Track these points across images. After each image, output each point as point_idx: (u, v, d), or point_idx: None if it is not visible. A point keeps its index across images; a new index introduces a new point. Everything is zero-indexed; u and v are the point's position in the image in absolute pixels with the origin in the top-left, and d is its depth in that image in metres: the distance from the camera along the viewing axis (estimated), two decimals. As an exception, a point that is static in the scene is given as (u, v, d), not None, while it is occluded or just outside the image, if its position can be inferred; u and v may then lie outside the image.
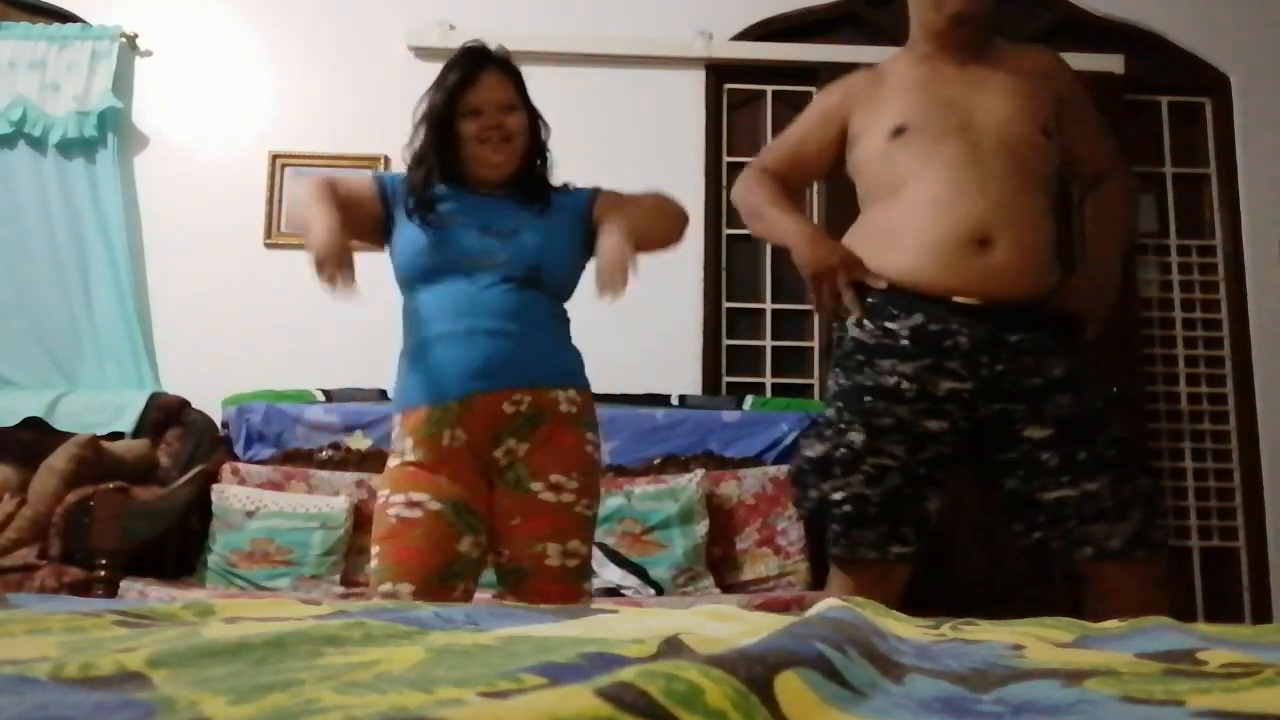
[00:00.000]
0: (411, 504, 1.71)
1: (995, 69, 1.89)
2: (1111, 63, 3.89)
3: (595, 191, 1.90)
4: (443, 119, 1.81)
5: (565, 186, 1.92)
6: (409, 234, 1.82)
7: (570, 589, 1.74)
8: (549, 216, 1.84)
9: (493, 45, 1.86)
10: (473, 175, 1.84)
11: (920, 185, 1.80)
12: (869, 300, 1.81)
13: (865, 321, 1.80)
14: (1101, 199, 2.00)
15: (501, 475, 1.76)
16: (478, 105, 1.80)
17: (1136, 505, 1.70)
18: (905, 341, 1.75)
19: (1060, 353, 1.77)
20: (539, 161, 1.90)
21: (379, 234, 1.88)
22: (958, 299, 1.74)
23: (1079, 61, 3.83)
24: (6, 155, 3.80)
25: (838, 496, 1.76)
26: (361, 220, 1.84)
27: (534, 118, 1.87)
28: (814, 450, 1.80)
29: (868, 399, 1.75)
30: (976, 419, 1.74)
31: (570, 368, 1.83)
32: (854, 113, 1.96)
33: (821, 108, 2.06)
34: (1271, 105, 4.00)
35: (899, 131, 1.85)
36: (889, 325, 1.77)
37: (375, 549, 1.74)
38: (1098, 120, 2.04)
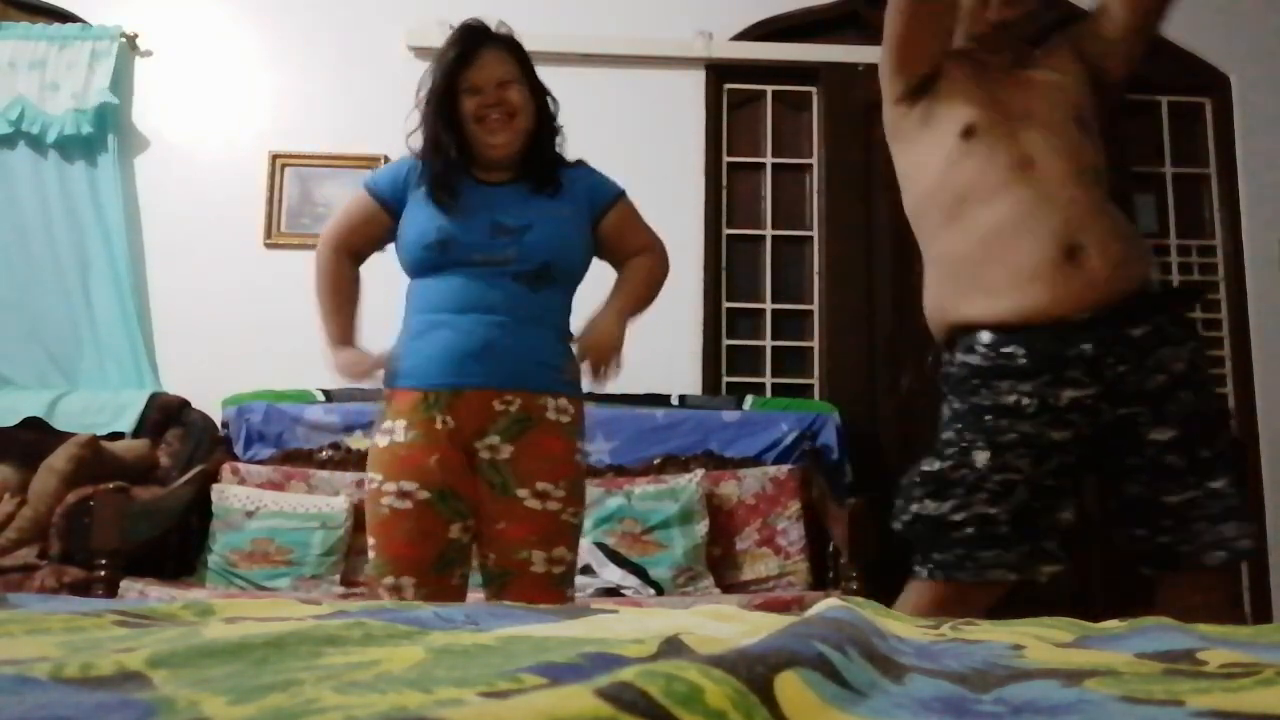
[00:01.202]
0: (402, 494, 1.72)
1: (1038, 72, 1.84)
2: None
3: (615, 199, 1.91)
4: (443, 99, 1.78)
5: (579, 163, 1.91)
6: (418, 223, 1.80)
7: (554, 595, 1.73)
8: (560, 202, 1.82)
9: (493, 25, 1.84)
10: (479, 159, 1.81)
11: (986, 206, 1.71)
12: (980, 340, 1.70)
13: (976, 348, 1.71)
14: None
15: (482, 471, 1.75)
16: (477, 83, 1.77)
17: (1247, 505, 1.67)
18: (1023, 362, 1.66)
19: (1180, 341, 1.69)
20: (549, 140, 1.87)
21: (392, 234, 1.89)
22: (1073, 317, 1.65)
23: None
24: (7, 156, 3.80)
25: (958, 517, 1.66)
26: (373, 239, 1.91)
27: (540, 94, 1.85)
28: (930, 465, 1.71)
29: (988, 417, 1.67)
30: (1099, 424, 1.67)
31: (566, 377, 1.82)
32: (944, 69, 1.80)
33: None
34: (1271, 105, 4.00)
35: (968, 132, 1.75)
36: (1003, 350, 1.68)
37: (371, 540, 1.77)
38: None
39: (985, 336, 1.70)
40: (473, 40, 1.80)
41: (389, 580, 1.73)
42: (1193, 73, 4.05)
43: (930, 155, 1.79)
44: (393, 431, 1.75)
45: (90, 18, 3.90)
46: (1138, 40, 1.85)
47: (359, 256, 1.93)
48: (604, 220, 1.89)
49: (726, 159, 3.97)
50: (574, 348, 1.83)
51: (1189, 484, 1.63)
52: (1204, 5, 4.05)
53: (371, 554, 1.76)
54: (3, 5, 3.97)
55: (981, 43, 1.84)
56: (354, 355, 1.84)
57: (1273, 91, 4.00)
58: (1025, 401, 1.65)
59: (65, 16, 3.93)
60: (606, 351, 1.81)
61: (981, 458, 1.66)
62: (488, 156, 1.81)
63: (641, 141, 3.87)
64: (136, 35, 3.89)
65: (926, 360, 1.90)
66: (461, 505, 1.74)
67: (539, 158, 1.84)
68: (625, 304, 1.88)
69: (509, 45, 1.83)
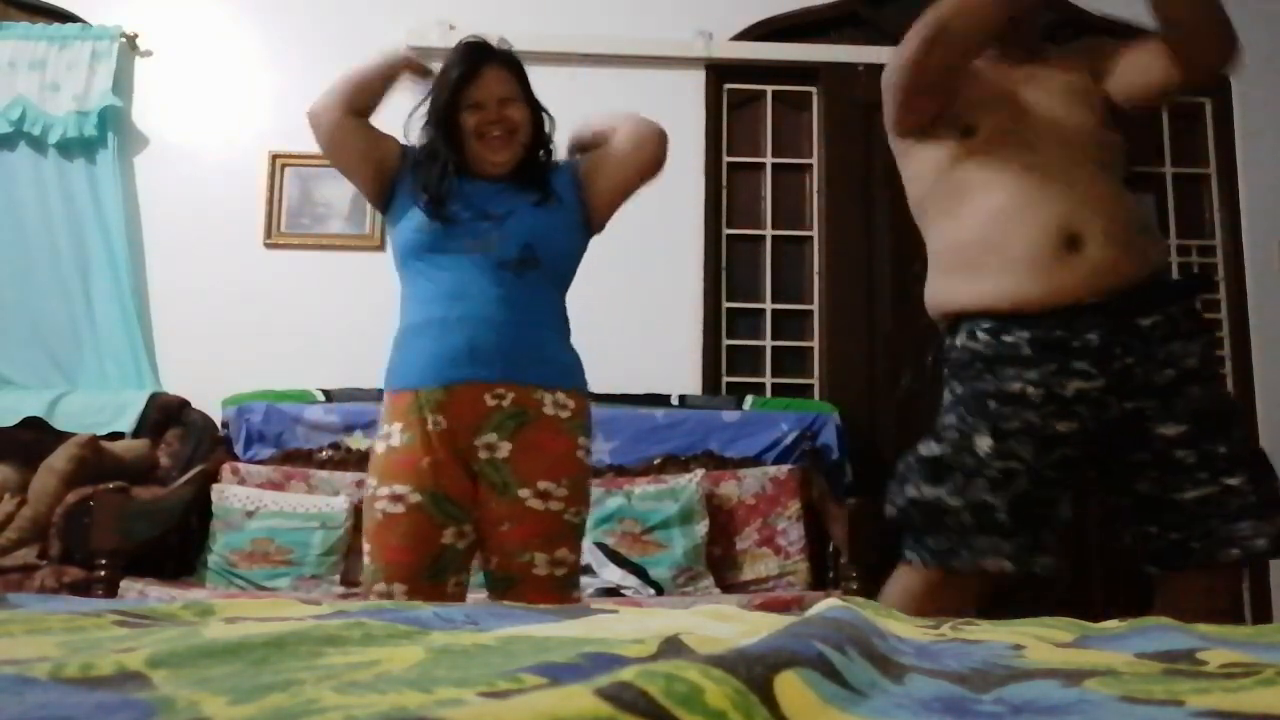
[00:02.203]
0: (394, 498, 1.72)
1: (1048, 67, 1.81)
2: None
3: (578, 161, 1.93)
4: (446, 114, 1.82)
5: (559, 164, 1.93)
6: (411, 215, 1.82)
7: (559, 599, 1.70)
8: (546, 202, 1.84)
9: (494, 40, 1.87)
10: (476, 173, 1.84)
11: (988, 192, 1.69)
12: (982, 326, 1.68)
13: (979, 333, 1.67)
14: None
15: (483, 473, 1.74)
16: (479, 99, 1.81)
17: (1275, 505, 1.60)
18: (1027, 350, 1.63)
19: (1190, 335, 1.65)
20: (542, 154, 1.90)
21: (379, 186, 1.89)
22: (1074, 304, 1.62)
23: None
24: (7, 156, 3.80)
25: (955, 503, 1.62)
26: (370, 159, 1.88)
27: (536, 111, 1.88)
28: (929, 450, 1.67)
29: (992, 403, 1.63)
30: (1106, 419, 1.63)
31: (562, 369, 1.80)
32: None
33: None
34: (1271, 105, 4.00)
35: (968, 132, 1.73)
36: (1005, 338, 1.65)
37: (365, 546, 1.77)
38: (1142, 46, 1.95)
39: (985, 323, 1.68)
40: (476, 57, 1.83)
41: (380, 587, 1.72)
42: (1193, 73, 4.04)
43: (934, 152, 1.77)
44: (389, 436, 1.76)
45: (90, 18, 3.90)
46: (1161, 97, 1.89)
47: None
48: (588, 178, 1.90)
49: (726, 159, 3.97)
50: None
51: (1202, 481, 1.59)
52: (1204, 5, 4.05)
53: (366, 560, 1.77)
54: (3, 5, 3.97)
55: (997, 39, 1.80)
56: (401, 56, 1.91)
57: (1273, 91, 4.00)
58: (1030, 390, 1.61)
59: (65, 16, 3.93)
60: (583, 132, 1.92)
61: (984, 443, 1.62)
62: (485, 173, 1.84)
63: (641, 141, 3.87)
64: (136, 35, 3.89)
65: (927, 360, 1.88)
66: (455, 509, 1.73)
67: (532, 172, 1.86)
68: (602, 127, 1.95)
69: (509, 63, 1.86)
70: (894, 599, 1.64)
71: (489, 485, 1.74)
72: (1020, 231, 1.64)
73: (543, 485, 1.73)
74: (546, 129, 1.90)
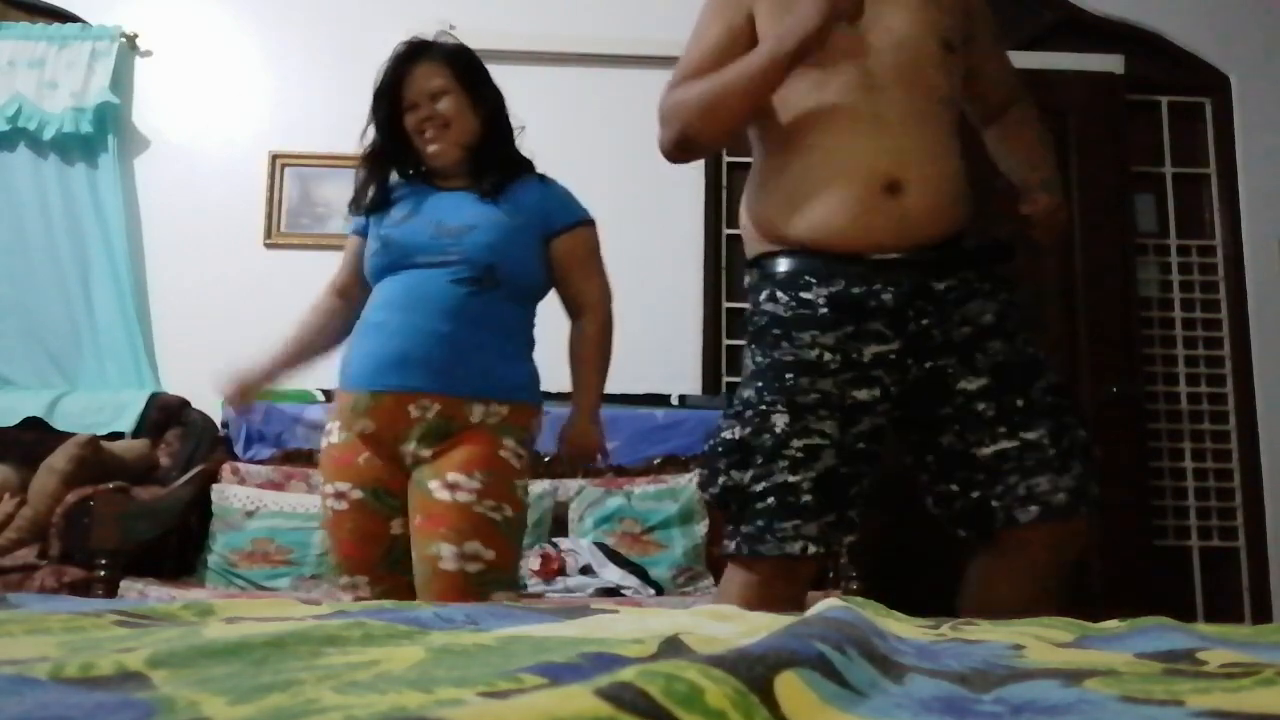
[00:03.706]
0: (338, 495, 1.75)
1: None
2: (1111, 63, 3.89)
3: (574, 224, 1.87)
4: (386, 119, 1.84)
5: (544, 178, 1.90)
6: (373, 235, 1.86)
7: (474, 597, 1.59)
8: (508, 209, 1.80)
9: (434, 34, 1.89)
10: (430, 168, 1.86)
11: (817, 128, 1.60)
12: (780, 270, 1.63)
13: (779, 294, 1.61)
14: (1018, 118, 1.82)
15: (410, 473, 1.75)
16: (411, 99, 1.82)
17: (1075, 457, 1.55)
18: (824, 310, 1.57)
19: (989, 294, 1.61)
20: (497, 144, 1.86)
21: None
22: (877, 256, 1.57)
23: (1079, 62, 3.84)
24: (7, 156, 3.80)
25: (758, 488, 1.56)
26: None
27: (480, 97, 1.84)
28: (732, 432, 1.60)
29: (789, 375, 1.57)
30: (907, 381, 1.58)
31: (504, 386, 1.76)
32: (757, 12, 1.67)
33: (725, 17, 1.70)
34: (1271, 105, 4.00)
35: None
36: (804, 295, 1.59)
37: (326, 541, 1.84)
38: (1001, 40, 1.85)
39: (784, 265, 1.62)
40: (404, 57, 1.85)
41: (345, 580, 1.76)
42: (1193, 73, 4.05)
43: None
44: (330, 433, 1.80)
45: (90, 18, 3.90)
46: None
47: (357, 291, 1.94)
48: (555, 242, 1.86)
49: (726, 159, 3.96)
50: (558, 448, 1.91)
51: (1000, 435, 1.54)
52: (1204, 5, 4.05)
53: (329, 554, 1.84)
54: (2, 5, 3.97)
55: None
56: (241, 371, 1.99)
57: (1273, 91, 4.00)
58: (827, 356, 1.56)
59: (65, 16, 3.93)
60: (591, 455, 1.93)
61: (781, 421, 1.56)
62: (431, 166, 1.85)
63: (641, 141, 3.86)
64: (136, 35, 3.89)
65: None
66: (396, 501, 1.74)
67: (488, 159, 1.85)
68: (591, 402, 1.90)
69: (445, 55, 1.85)
70: (726, 597, 1.59)
71: (410, 484, 1.74)
72: (845, 170, 1.58)
73: (451, 477, 1.68)
74: (500, 112, 1.87)
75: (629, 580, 2.93)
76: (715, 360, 3.81)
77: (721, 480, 1.61)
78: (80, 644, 0.72)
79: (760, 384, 1.61)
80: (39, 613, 0.86)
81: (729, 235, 3.92)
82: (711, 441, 1.65)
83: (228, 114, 3.90)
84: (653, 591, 2.93)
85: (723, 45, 1.66)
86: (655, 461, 3.40)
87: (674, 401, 3.57)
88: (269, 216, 3.81)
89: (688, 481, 3.24)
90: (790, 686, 0.51)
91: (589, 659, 0.62)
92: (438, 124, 1.81)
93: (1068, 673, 0.63)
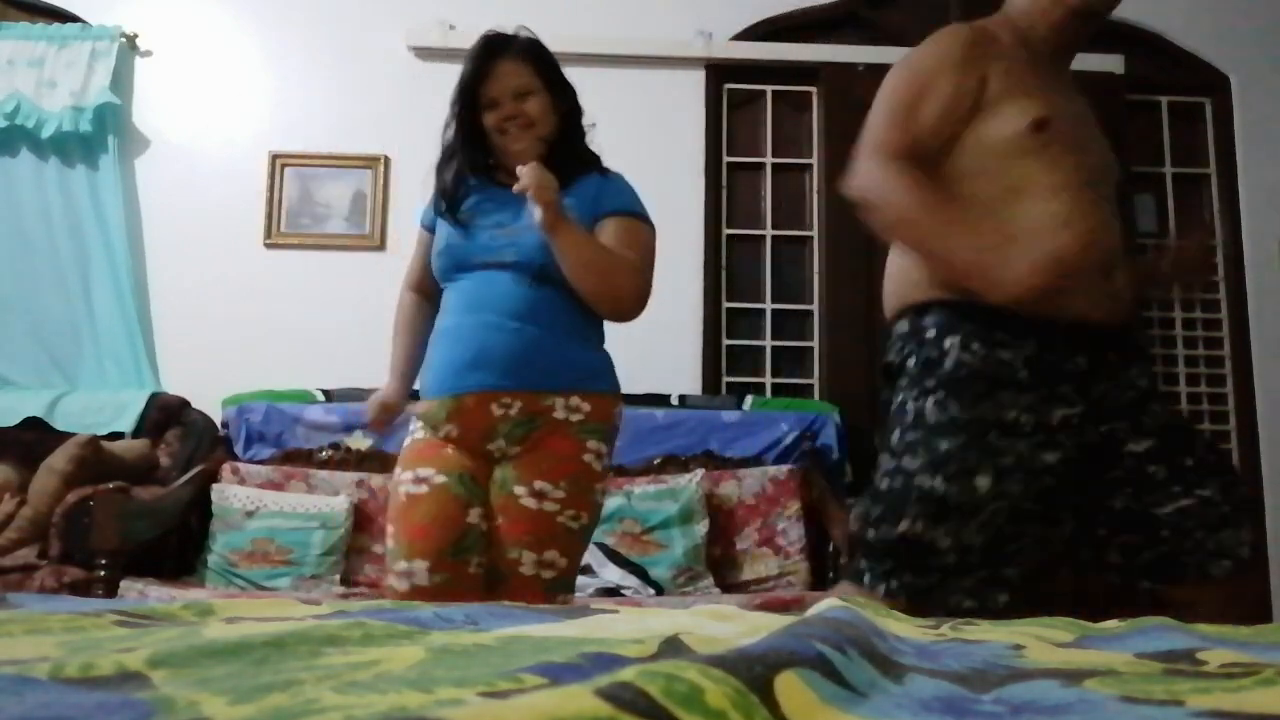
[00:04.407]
0: (418, 480, 1.74)
1: (1071, 87, 1.72)
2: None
3: (616, 211, 1.83)
4: (466, 114, 1.82)
5: (607, 171, 1.89)
6: (439, 234, 1.86)
7: (544, 600, 1.66)
8: (568, 205, 1.77)
9: (513, 31, 1.86)
10: (506, 166, 1.82)
11: (1045, 200, 1.58)
12: (974, 321, 1.59)
13: (974, 345, 1.57)
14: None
15: (494, 471, 1.75)
16: (494, 96, 1.80)
17: (1245, 512, 1.59)
18: (1022, 373, 1.56)
19: (1141, 359, 1.67)
20: (573, 142, 1.87)
21: None
22: (1073, 321, 1.57)
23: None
24: (7, 157, 3.80)
25: (945, 544, 1.53)
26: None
27: (562, 96, 1.86)
28: (932, 483, 1.55)
29: (993, 435, 1.54)
30: (1083, 444, 1.58)
31: (580, 372, 1.78)
32: (990, 68, 1.61)
33: (959, 54, 1.62)
34: (1271, 105, 4.00)
35: (1041, 125, 1.58)
36: (1001, 354, 1.56)
37: (389, 529, 1.77)
38: None
39: (978, 316, 1.57)
40: (488, 53, 1.82)
41: (401, 565, 1.71)
42: (1193, 73, 4.05)
43: (997, 132, 1.61)
44: (414, 433, 1.82)
45: (90, 18, 3.90)
46: None
47: (431, 285, 1.92)
48: (599, 224, 1.83)
49: (726, 159, 3.97)
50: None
51: (1177, 494, 1.57)
52: (1204, 5, 4.06)
53: (390, 542, 1.76)
54: (2, 5, 3.97)
55: (1045, 30, 1.68)
56: (381, 396, 1.92)
57: (1273, 91, 4.00)
58: (1024, 418, 1.55)
59: (65, 16, 3.93)
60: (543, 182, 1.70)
61: (985, 483, 1.53)
62: (509, 164, 1.81)
63: (641, 141, 3.87)
64: (136, 35, 3.89)
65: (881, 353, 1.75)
66: (480, 491, 1.74)
67: (561, 157, 1.83)
68: (573, 228, 1.73)
69: (528, 53, 1.84)
70: None
71: (494, 481, 1.75)
72: (1073, 244, 1.57)
73: (539, 485, 1.71)
74: (578, 111, 1.88)
75: (629, 580, 2.93)
76: (715, 360, 3.81)
77: (904, 527, 1.56)
78: (80, 644, 0.72)
79: (965, 439, 1.55)
80: (39, 613, 0.86)
81: (729, 235, 3.92)
82: (897, 481, 1.58)
83: (228, 114, 3.90)
84: (653, 591, 2.93)
85: (949, 110, 1.60)
86: (655, 461, 3.40)
87: (674, 401, 3.57)
88: (269, 216, 3.81)
89: (688, 481, 3.24)
90: (790, 686, 0.51)
91: (589, 659, 0.62)
92: (522, 123, 1.80)
93: (1068, 673, 0.63)
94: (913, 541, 1.55)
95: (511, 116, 1.80)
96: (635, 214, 1.84)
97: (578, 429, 1.75)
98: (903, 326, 1.68)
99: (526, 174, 1.68)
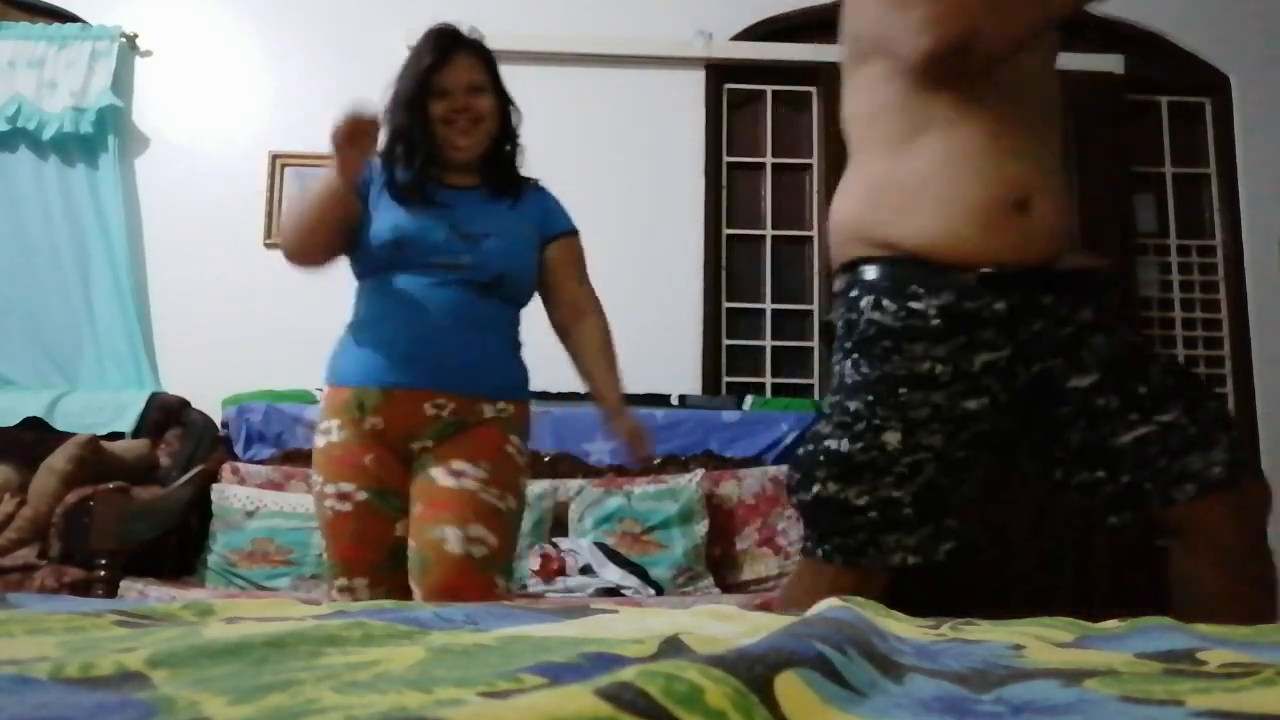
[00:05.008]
0: (341, 495, 1.72)
1: None
2: (1111, 63, 3.89)
3: (567, 232, 1.89)
4: (413, 100, 1.79)
5: (538, 184, 1.91)
6: (376, 221, 1.78)
7: (477, 580, 1.63)
8: (518, 215, 1.83)
9: (465, 29, 1.85)
10: (442, 160, 1.81)
11: (951, 132, 1.55)
12: (884, 277, 1.57)
13: (884, 302, 1.56)
14: None
15: (413, 464, 1.75)
16: (447, 86, 1.79)
17: (1218, 429, 1.51)
18: (936, 322, 1.53)
19: (1084, 301, 1.59)
20: (508, 147, 1.87)
21: (357, 220, 1.82)
22: (991, 269, 1.53)
23: (1079, 61, 3.84)
24: (7, 157, 3.80)
25: (861, 502, 1.56)
26: (346, 218, 1.82)
27: (505, 102, 1.85)
28: (838, 444, 1.57)
29: (902, 390, 1.54)
30: (1015, 387, 1.56)
31: (514, 383, 1.81)
32: None
33: None
34: (1271, 105, 4.00)
35: None
36: (913, 305, 1.54)
37: (323, 542, 1.78)
38: None
39: (888, 271, 1.56)
40: (445, 44, 1.81)
41: (341, 582, 1.73)
42: (1193, 73, 4.05)
43: (892, 70, 1.58)
44: (329, 431, 1.76)
45: (90, 18, 3.91)
46: None
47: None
48: (550, 246, 1.87)
49: (726, 159, 3.97)
50: (627, 454, 1.88)
51: (1135, 422, 1.51)
52: (1204, 5, 4.06)
53: (325, 556, 1.78)
54: (2, 5, 3.97)
55: None
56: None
57: (1273, 91, 4.00)
58: (939, 369, 1.52)
59: (65, 16, 3.93)
60: (648, 443, 1.88)
61: (893, 439, 1.53)
62: (451, 159, 1.81)
63: (641, 141, 3.87)
64: (136, 35, 3.89)
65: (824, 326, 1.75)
66: (401, 502, 1.73)
67: (500, 164, 1.85)
68: (622, 396, 1.88)
69: (479, 52, 1.83)
70: (804, 597, 1.58)
71: (414, 475, 1.74)
72: (977, 178, 1.53)
73: (457, 465, 1.70)
74: (514, 121, 1.87)
75: (629, 580, 2.93)
76: (715, 360, 3.81)
77: (816, 490, 1.59)
78: (80, 644, 0.72)
79: (871, 397, 1.56)
80: (39, 613, 0.86)
81: (729, 235, 3.92)
82: (810, 447, 1.62)
83: (228, 114, 3.90)
84: (653, 591, 2.93)
85: None
86: (655, 461, 3.39)
87: (674, 401, 3.57)
88: (269, 216, 3.81)
89: (688, 481, 3.24)
90: (790, 686, 0.51)
91: (589, 659, 0.62)
92: (472, 116, 1.79)
93: (1068, 673, 0.63)
94: (827, 502, 1.58)
95: (463, 109, 1.78)
96: (574, 230, 1.92)
97: (501, 425, 1.77)
98: (838, 285, 1.67)
99: (643, 446, 1.85)
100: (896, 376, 1.55)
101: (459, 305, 1.74)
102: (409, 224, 1.76)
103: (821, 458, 1.59)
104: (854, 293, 1.61)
